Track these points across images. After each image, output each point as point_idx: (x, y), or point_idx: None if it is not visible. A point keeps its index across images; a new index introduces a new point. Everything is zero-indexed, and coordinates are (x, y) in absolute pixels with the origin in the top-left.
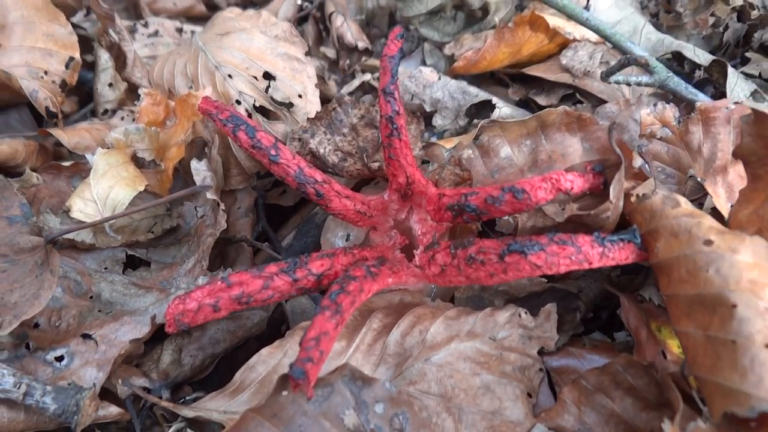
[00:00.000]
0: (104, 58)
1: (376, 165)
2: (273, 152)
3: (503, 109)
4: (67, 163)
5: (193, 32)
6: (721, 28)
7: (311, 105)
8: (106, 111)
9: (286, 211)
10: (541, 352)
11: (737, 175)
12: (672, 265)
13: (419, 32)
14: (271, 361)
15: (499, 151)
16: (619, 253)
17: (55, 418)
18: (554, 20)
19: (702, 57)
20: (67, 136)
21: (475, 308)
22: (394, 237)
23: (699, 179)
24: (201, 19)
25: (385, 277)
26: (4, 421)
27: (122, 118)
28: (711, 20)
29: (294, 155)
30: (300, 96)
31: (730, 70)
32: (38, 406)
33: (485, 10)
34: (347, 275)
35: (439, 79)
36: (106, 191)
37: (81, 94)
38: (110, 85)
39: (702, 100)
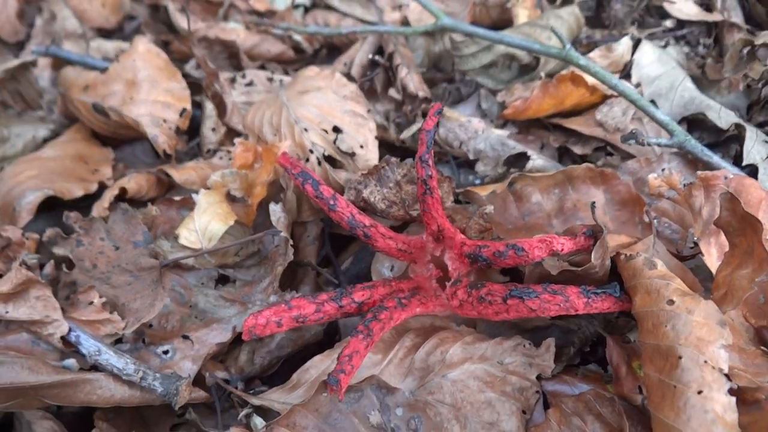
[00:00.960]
0: (209, 108)
1: (415, 213)
2: (332, 202)
3: (536, 161)
4: (177, 198)
5: (281, 81)
6: (760, 84)
7: (371, 154)
8: (209, 150)
9: (347, 240)
10: (540, 378)
11: (726, 239)
12: (644, 317)
13: (476, 80)
14: (321, 366)
15: (531, 197)
16: (601, 304)
17: (161, 397)
18: (592, 79)
19: (724, 120)
20: (178, 174)
21: (489, 336)
22: (431, 270)
23: (695, 239)
24: (290, 63)
25: (414, 307)
26: (126, 396)
27: (221, 158)
28: (743, 81)
29: (348, 204)
30: (362, 146)
31: (749, 133)
32: (149, 388)
33: (537, 59)
34: (381, 305)
35: (483, 132)
36: (205, 224)
37: (189, 130)
38: (213, 129)
39: (716, 162)
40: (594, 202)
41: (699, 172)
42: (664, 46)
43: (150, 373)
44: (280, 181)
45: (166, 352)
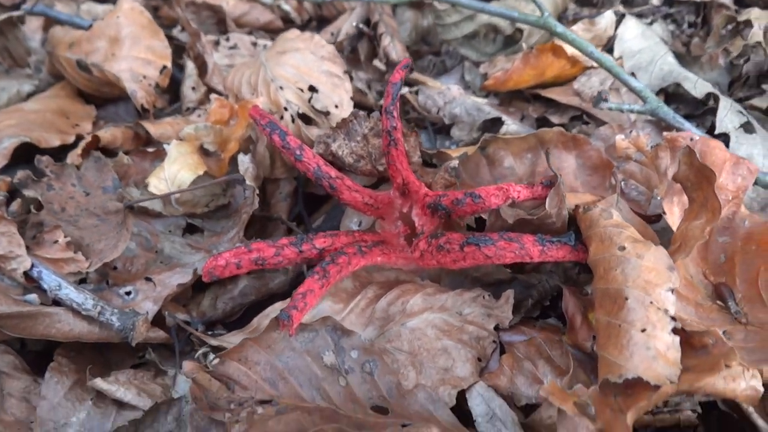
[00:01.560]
0: (190, 66)
1: (381, 167)
2: (298, 152)
3: (511, 126)
4: (151, 149)
5: (265, 46)
6: (742, 61)
7: (345, 113)
8: (188, 108)
9: (321, 199)
10: (497, 328)
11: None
12: (597, 264)
13: (459, 52)
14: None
15: (503, 161)
16: (556, 252)
17: (118, 333)
18: (573, 49)
19: (699, 90)
20: (154, 128)
21: (452, 289)
22: (398, 227)
23: (659, 198)
24: (277, 32)
25: (375, 256)
26: (84, 331)
27: (199, 116)
28: (724, 56)
29: (314, 155)
30: (336, 106)
31: (722, 102)
32: (107, 323)
33: (521, 31)
34: (340, 251)
35: (460, 97)
36: (175, 173)
37: (172, 93)
38: (193, 88)
39: (687, 129)
40: (548, 148)
41: (665, 134)
42: (650, 23)
43: (108, 309)
44: (251, 135)
45: (128, 293)
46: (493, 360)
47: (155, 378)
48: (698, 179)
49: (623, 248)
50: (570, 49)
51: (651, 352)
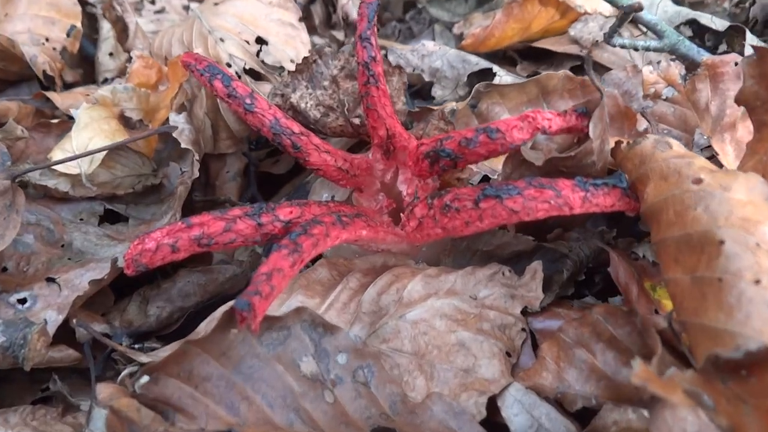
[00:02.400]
0: (106, 28)
1: (357, 120)
2: (248, 101)
3: (504, 77)
4: (55, 121)
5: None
6: (747, 4)
7: None
8: (105, 80)
9: (279, 181)
10: (525, 313)
11: (747, 131)
12: (661, 208)
13: (430, 13)
14: None
15: (499, 118)
16: (603, 199)
17: (2, 351)
18: None
19: (719, 23)
20: (61, 99)
21: (451, 269)
22: (380, 200)
23: (705, 138)
24: None
25: (358, 228)
26: None
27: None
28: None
29: (270, 105)
30: (292, 61)
31: (749, 35)
32: None
33: None
34: (314, 219)
35: (439, 50)
36: (86, 143)
37: (85, 66)
38: (111, 54)
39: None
40: (589, 53)
41: (704, 57)
42: None
43: None
44: (185, 88)
45: (23, 301)
46: (524, 354)
47: (63, 416)
48: None
49: (700, 180)
50: None
51: None
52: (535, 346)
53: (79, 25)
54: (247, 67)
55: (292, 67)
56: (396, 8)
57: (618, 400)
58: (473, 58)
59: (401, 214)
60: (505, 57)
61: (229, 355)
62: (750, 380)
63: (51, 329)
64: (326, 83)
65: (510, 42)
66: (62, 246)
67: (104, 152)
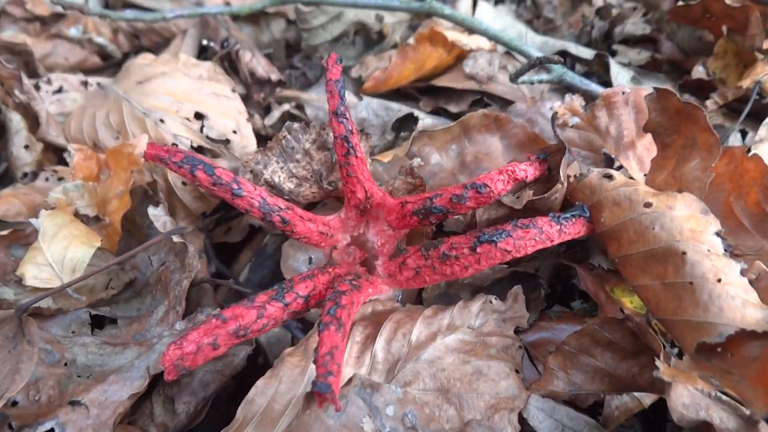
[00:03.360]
0: (16, 119)
1: (330, 186)
2: (235, 186)
3: (425, 120)
4: (4, 232)
5: (98, 84)
6: (588, 27)
7: (246, 140)
8: (25, 174)
9: (234, 248)
10: (516, 331)
11: (644, 148)
12: (620, 230)
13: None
14: (268, 391)
15: (430, 159)
16: (573, 228)
17: None
18: (451, 34)
19: (585, 52)
20: None
21: (446, 305)
22: (352, 252)
23: (612, 156)
24: (98, 71)
25: (366, 288)
26: None
27: (47, 179)
28: (581, 21)
29: (255, 186)
30: (234, 132)
31: (612, 61)
32: None
33: (381, 33)
34: (337, 291)
35: (361, 99)
36: (61, 252)
37: None
38: (26, 147)
39: (594, 89)
40: (555, 113)
41: (601, 90)
42: (495, 4)
43: None
44: (142, 185)
45: None
46: (525, 368)
47: None
48: (675, 122)
49: (649, 204)
50: (451, 35)
51: (737, 300)
52: (530, 359)
53: None
54: (194, 145)
55: (236, 138)
56: (279, 55)
57: (618, 390)
58: (395, 105)
59: (375, 263)
60: (406, 95)
61: None
62: (729, 357)
63: None
64: (299, 156)
65: (407, 81)
66: (65, 364)
67: (84, 259)
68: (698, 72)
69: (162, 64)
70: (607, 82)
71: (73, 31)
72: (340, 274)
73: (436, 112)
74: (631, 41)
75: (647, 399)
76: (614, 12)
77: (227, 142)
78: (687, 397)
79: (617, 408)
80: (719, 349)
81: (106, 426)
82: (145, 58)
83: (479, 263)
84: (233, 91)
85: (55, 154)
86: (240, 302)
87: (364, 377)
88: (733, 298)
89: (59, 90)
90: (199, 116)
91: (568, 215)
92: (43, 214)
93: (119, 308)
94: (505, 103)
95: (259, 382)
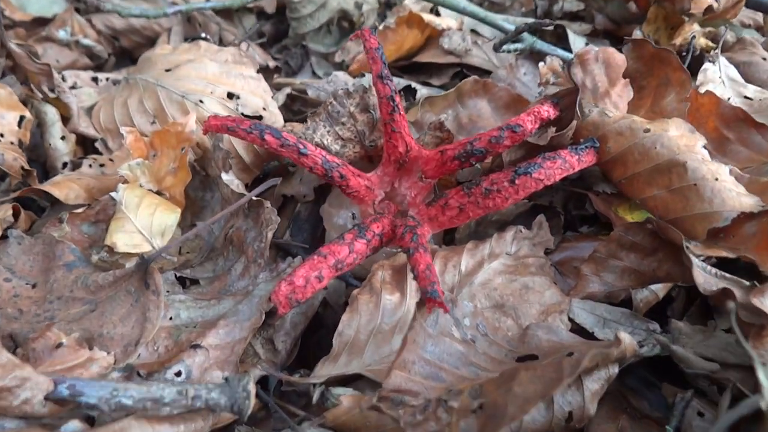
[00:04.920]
0: (51, 112)
1: (372, 145)
2: (301, 146)
3: (422, 90)
4: (78, 210)
5: (107, 78)
6: (533, 6)
7: (274, 116)
8: (65, 164)
9: None
10: (545, 253)
11: (617, 95)
12: (625, 154)
13: (308, 48)
14: (353, 323)
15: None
16: (588, 157)
17: (228, 410)
18: (425, 16)
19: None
20: (58, 190)
21: (480, 240)
22: (386, 206)
23: (593, 105)
24: (92, 70)
25: (425, 223)
26: None
27: (90, 166)
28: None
29: (315, 147)
30: (264, 109)
31: (569, 31)
32: (211, 404)
33: (351, 21)
34: (408, 225)
35: (363, 76)
36: (148, 219)
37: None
38: (63, 138)
39: (561, 54)
40: (572, 60)
41: (576, 52)
42: None
43: (202, 387)
44: (212, 148)
45: (178, 374)
46: (558, 283)
47: None
48: (650, 66)
49: (647, 130)
50: (426, 17)
51: (733, 192)
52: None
53: (28, 114)
54: None
55: (266, 115)
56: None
57: (642, 284)
58: (395, 80)
59: (409, 213)
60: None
61: (417, 342)
62: (731, 237)
63: None
64: (344, 119)
65: (389, 61)
66: (170, 318)
67: (173, 223)
68: (637, 35)
69: (184, 52)
70: (566, 48)
71: (62, 34)
72: (394, 221)
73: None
74: (568, 17)
75: (660, 292)
76: None
77: (261, 118)
78: (701, 277)
79: (641, 300)
80: (722, 234)
81: (229, 363)
82: (164, 48)
83: (518, 193)
84: (258, 72)
85: (82, 145)
86: (332, 241)
87: (447, 294)
88: (729, 191)
89: (74, 86)
90: (231, 96)
91: (583, 146)
92: (122, 188)
93: (196, 271)
94: (482, 72)
95: (344, 317)
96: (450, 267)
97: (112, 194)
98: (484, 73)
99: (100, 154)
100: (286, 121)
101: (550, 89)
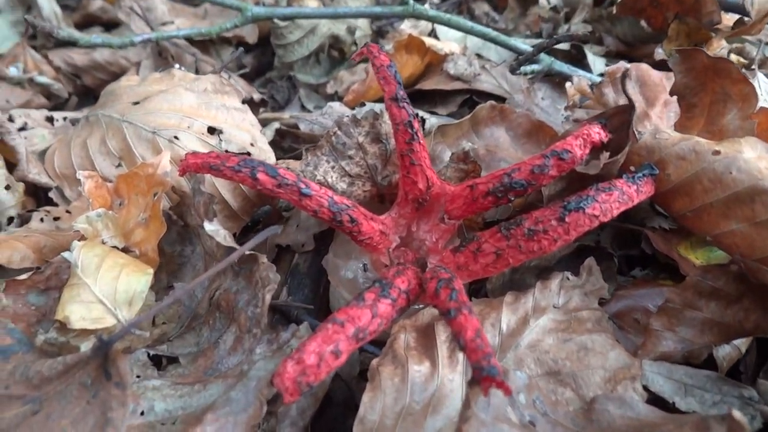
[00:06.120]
0: None
1: (386, 181)
2: (303, 186)
3: (431, 120)
4: (22, 277)
5: (65, 118)
6: (538, 29)
7: (264, 152)
8: (11, 219)
9: None
10: (600, 303)
11: (657, 117)
12: (690, 182)
13: (296, 79)
14: (376, 405)
15: (444, 156)
16: (647, 187)
17: None
18: (426, 40)
19: (563, 46)
20: None
21: (519, 290)
22: (403, 254)
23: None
24: (50, 110)
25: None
26: None
27: (41, 220)
28: (539, 20)
29: (319, 185)
30: (252, 144)
31: (587, 50)
32: None
33: (342, 50)
34: (441, 279)
35: (354, 108)
36: (112, 284)
37: None
38: (7, 187)
39: (582, 75)
40: (626, 71)
41: (606, 69)
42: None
43: None
44: (191, 192)
45: None
46: (618, 338)
47: None
48: (702, 80)
49: (717, 152)
50: (427, 41)
51: None
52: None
53: None
54: None
55: (254, 151)
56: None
57: (727, 338)
58: None
59: (428, 260)
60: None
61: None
62: None
63: None
64: (351, 152)
65: None
66: (142, 414)
67: (143, 288)
68: (659, 54)
69: (155, 82)
70: (585, 70)
71: (12, 71)
72: (415, 270)
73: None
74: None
75: (743, 346)
76: (561, 13)
77: (249, 155)
78: None
79: (724, 359)
80: None
81: None
82: (130, 79)
83: (569, 233)
84: (243, 102)
85: (34, 196)
86: (350, 303)
87: (500, 365)
88: None
89: (23, 127)
90: (212, 131)
91: (640, 174)
92: (77, 246)
93: (174, 345)
94: (494, 99)
95: (365, 398)
96: (488, 326)
97: (65, 254)
98: (496, 99)
99: (56, 205)
100: (277, 158)
101: (578, 113)
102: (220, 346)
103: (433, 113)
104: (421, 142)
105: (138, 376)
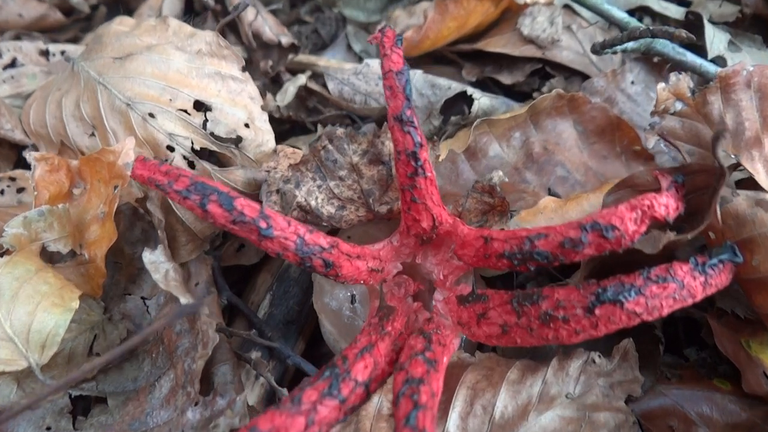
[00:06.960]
0: None
1: (384, 208)
2: (263, 224)
3: (481, 100)
4: None
5: (63, 53)
6: None
7: (262, 135)
8: None
9: (249, 271)
10: (628, 400)
11: None
12: None
13: (342, 13)
14: None
15: (488, 150)
16: (720, 278)
17: None
18: None
19: (673, 10)
20: None
21: (531, 358)
22: (403, 284)
23: (732, 156)
24: (59, 31)
25: (441, 357)
26: None
27: (1, 192)
28: None
29: (289, 221)
30: (247, 125)
31: (707, 24)
32: None
33: None
34: (410, 379)
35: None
36: (26, 320)
37: None
38: None
39: (692, 61)
40: (721, 131)
41: (718, 71)
42: None
43: None
44: (129, 202)
45: None
46: None
47: None
48: None
49: None
50: None
51: None
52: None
53: None
54: (196, 147)
55: (248, 134)
56: (282, 4)
57: None
58: (443, 82)
59: (435, 295)
60: (443, 59)
61: None
62: None
63: None
64: (343, 173)
65: (445, 42)
66: None
67: (60, 328)
68: None
69: (146, 32)
70: (700, 52)
71: None
72: (398, 330)
73: (483, 82)
74: None
75: None
76: None
77: (239, 140)
78: None
79: None
80: None
81: None
82: (123, 23)
83: (596, 328)
84: (243, 70)
85: (12, 151)
86: (280, 405)
87: None
88: None
89: (12, 63)
90: (199, 106)
91: (714, 261)
92: None
93: (108, 379)
94: (572, 73)
95: None
96: (478, 408)
97: None
98: (574, 75)
99: (28, 167)
100: (286, 134)
101: (669, 121)
102: (155, 392)
103: (492, 81)
104: (428, 175)
105: (48, 429)
